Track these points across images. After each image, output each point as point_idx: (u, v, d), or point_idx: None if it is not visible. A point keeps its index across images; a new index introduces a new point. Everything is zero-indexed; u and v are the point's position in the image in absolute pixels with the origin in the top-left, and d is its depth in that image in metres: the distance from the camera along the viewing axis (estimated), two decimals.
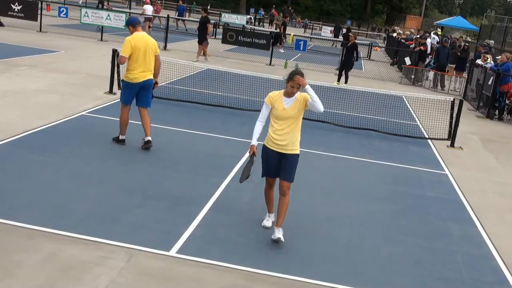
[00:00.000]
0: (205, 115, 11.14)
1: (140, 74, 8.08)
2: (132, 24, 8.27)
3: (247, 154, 8.91)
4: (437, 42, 24.74)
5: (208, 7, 36.17)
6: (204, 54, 20.07)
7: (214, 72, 15.55)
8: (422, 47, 21.88)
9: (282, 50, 27.09)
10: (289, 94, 5.62)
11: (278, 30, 30.46)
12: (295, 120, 5.66)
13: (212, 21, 28.21)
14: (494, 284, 5.54)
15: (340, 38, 33.32)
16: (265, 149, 5.80)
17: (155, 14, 29.08)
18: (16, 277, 4.48)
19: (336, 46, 35.66)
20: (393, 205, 7.41)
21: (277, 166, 5.74)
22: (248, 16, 44.28)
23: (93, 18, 22.19)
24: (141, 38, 8.09)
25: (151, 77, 8.25)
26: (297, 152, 5.75)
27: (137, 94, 8.25)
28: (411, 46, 24.63)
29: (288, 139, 5.66)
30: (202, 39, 19.91)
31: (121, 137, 8.49)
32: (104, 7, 29.28)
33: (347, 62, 18.36)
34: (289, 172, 5.73)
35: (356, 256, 5.71)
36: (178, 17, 34.81)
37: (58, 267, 4.69)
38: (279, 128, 5.64)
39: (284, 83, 5.72)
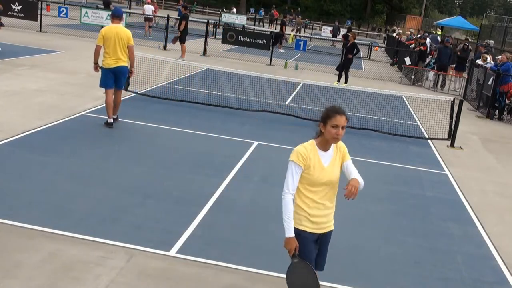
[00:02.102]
0: (205, 115, 11.14)
1: (112, 61, 9.02)
2: (111, 15, 9.36)
3: (247, 154, 8.96)
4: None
5: (223, 9, 36.49)
6: (182, 54, 19.60)
7: (214, 72, 15.55)
8: (422, 47, 21.87)
9: (282, 50, 27.09)
10: (325, 145, 3.86)
11: (297, 32, 30.56)
12: (336, 183, 3.91)
13: (212, 21, 28.22)
14: (494, 284, 5.54)
15: (339, 38, 33.32)
16: (301, 235, 3.83)
17: (155, 14, 29.08)
18: (16, 277, 4.47)
19: (335, 46, 35.66)
20: (393, 205, 7.41)
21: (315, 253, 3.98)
22: (233, 10, 44.01)
23: (93, 18, 22.20)
24: (113, 29, 9.00)
25: (124, 64, 9.14)
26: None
27: (116, 78, 9.19)
28: (411, 46, 24.62)
29: (331, 212, 3.95)
30: (181, 37, 19.58)
31: (108, 121, 9.29)
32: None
33: (347, 62, 18.38)
34: (325, 257, 4.11)
35: (356, 256, 5.71)
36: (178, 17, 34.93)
37: (58, 267, 4.68)
38: (319, 199, 3.82)
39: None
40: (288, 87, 15.13)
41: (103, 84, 9.23)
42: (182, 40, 19.58)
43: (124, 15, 23.03)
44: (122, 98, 11.49)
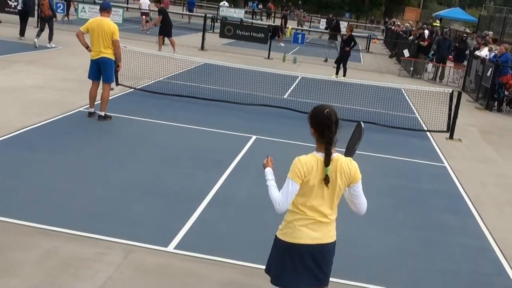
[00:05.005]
0: (203, 110, 11.11)
1: (95, 53, 9.26)
2: (99, 8, 9.65)
3: (245, 149, 8.95)
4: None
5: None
6: (159, 45, 19.23)
7: (212, 66, 15.51)
8: (425, 42, 21.74)
9: (282, 44, 27.00)
10: None
11: (299, 26, 30.50)
12: None
13: (209, 15, 28.13)
14: (493, 276, 5.54)
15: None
16: None
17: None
18: (15, 275, 4.47)
19: (321, 37, 35.44)
20: (391, 198, 7.40)
21: None
22: (225, 3, 42.82)
23: (90, 14, 22.09)
24: (97, 22, 9.18)
25: (106, 56, 9.22)
26: None
27: (101, 71, 9.34)
28: (410, 38, 24.53)
29: None
30: (166, 31, 19.26)
31: (89, 110, 9.58)
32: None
33: (345, 55, 18.32)
34: None
35: (353, 249, 5.70)
36: (189, 13, 35.24)
37: (56, 265, 4.68)
38: None
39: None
40: (286, 81, 15.08)
41: (88, 74, 9.56)
42: (168, 34, 19.32)
43: (122, 11, 23.03)
44: (120, 94, 11.51)
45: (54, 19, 17.81)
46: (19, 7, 18.66)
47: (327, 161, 3.43)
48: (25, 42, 17.83)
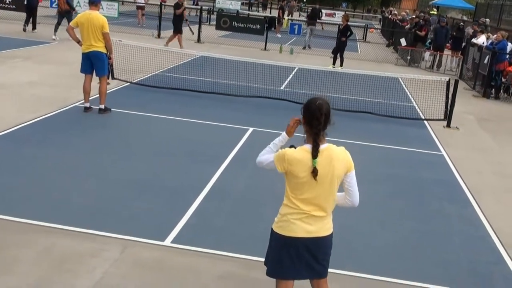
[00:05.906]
0: (199, 103, 11.07)
1: (86, 46, 9.21)
2: (88, 2, 9.64)
3: (242, 141, 8.93)
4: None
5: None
6: (169, 41, 18.80)
7: (208, 59, 15.44)
8: (423, 32, 21.66)
9: (279, 35, 26.89)
10: None
11: (290, 16, 30.58)
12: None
13: (205, 7, 28.03)
14: (491, 264, 5.53)
15: (324, 19, 33.24)
16: None
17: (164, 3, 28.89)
18: (13, 272, 4.45)
19: (322, 28, 35.20)
20: (389, 188, 7.39)
21: None
22: None
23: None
24: (86, 15, 9.15)
25: (97, 49, 9.19)
26: None
27: (93, 65, 9.31)
28: (406, 27, 24.46)
29: None
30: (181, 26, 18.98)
31: (84, 105, 9.55)
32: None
33: (342, 45, 18.25)
34: None
35: (351, 240, 5.70)
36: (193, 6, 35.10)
37: (53, 261, 4.66)
38: None
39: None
40: (283, 72, 15.04)
41: (81, 68, 9.49)
42: (178, 29, 19.04)
43: (117, 5, 22.93)
44: (116, 88, 11.47)
45: (73, 11, 18.71)
46: (24, 2, 19.47)
47: (314, 153, 3.40)
48: (25, 38, 17.75)
